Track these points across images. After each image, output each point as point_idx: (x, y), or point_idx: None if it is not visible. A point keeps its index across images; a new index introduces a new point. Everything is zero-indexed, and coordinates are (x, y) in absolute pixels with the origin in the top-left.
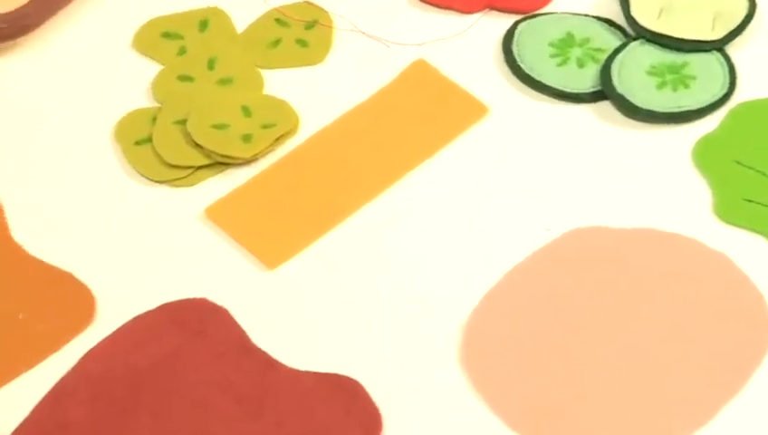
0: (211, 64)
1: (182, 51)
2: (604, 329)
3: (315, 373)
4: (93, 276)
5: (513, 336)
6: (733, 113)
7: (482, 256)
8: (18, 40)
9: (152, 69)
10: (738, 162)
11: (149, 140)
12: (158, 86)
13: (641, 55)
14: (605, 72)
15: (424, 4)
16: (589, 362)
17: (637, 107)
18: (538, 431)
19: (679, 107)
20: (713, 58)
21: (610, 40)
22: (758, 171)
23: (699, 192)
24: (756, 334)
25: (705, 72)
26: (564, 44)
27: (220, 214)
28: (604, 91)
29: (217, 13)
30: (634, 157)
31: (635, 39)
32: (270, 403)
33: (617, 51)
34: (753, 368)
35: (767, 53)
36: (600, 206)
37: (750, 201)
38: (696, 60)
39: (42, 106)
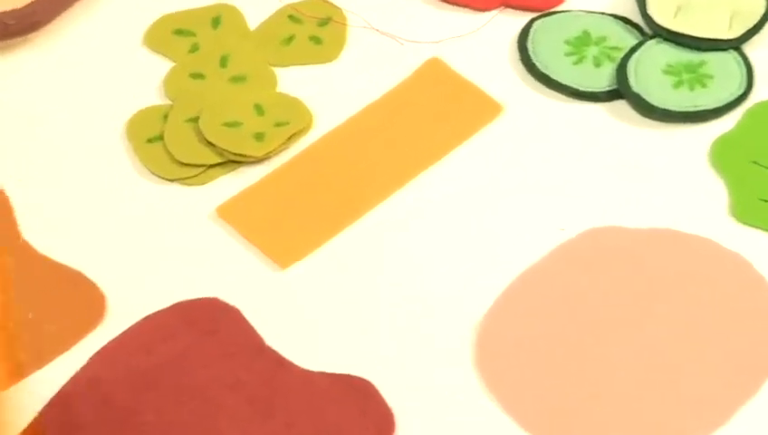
0: (223, 62)
1: (194, 48)
2: (619, 330)
3: (327, 374)
4: (104, 275)
5: (526, 337)
6: (750, 113)
7: (496, 256)
8: (28, 36)
9: (164, 66)
10: (755, 162)
11: (161, 137)
12: (169, 84)
13: (658, 54)
14: (621, 70)
15: (439, 2)
16: (603, 363)
17: (653, 106)
18: (552, 433)
19: (696, 106)
20: (730, 57)
21: (627, 38)
22: None
23: (716, 192)
24: None
25: (723, 72)
26: (580, 43)
27: (232, 213)
28: (620, 90)
29: (230, 9)
30: (650, 156)
31: (651, 37)
32: (281, 404)
33: (633, 49)
34: None
35: None
36: (616, 206)
37: (767, 202)
38: (713, 59)
39: (52, 104)
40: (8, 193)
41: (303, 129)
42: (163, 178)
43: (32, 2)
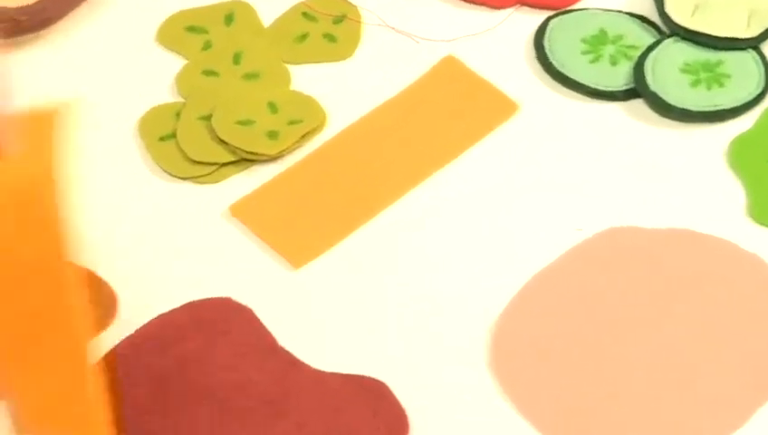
0: (237, 59)
1: (207, 45)
2: (636, 330)
3: (340, 374)
4: (115, 274)
5: (542, 337)
6: None
7: (512, 255)
8: (40, 33)
9: (176, 63)
10: None
11: (174, 135)
12: (182, 81)
13: (675, 53)
14: (638, 69)
15: (454, 0)
16: (619, 364)
17: (670, 105)
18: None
19: (714, 106)
20: (748, 56)
21: (644, 37)
22: None
23: (733, 192)
24: None
25: (740, 71)
26: (597, 41)
27: (245, 211)
28: (637, 89)
29: (243, 6)
30: (667, 156)
31: (669, 36)
32: (293, 404)
33: (650, 48)
34: None
35: None
36: (633, 206)
37: None
38: (730, 58)
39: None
40: None
41: (317, 127)
42: (175, 177)
43: None
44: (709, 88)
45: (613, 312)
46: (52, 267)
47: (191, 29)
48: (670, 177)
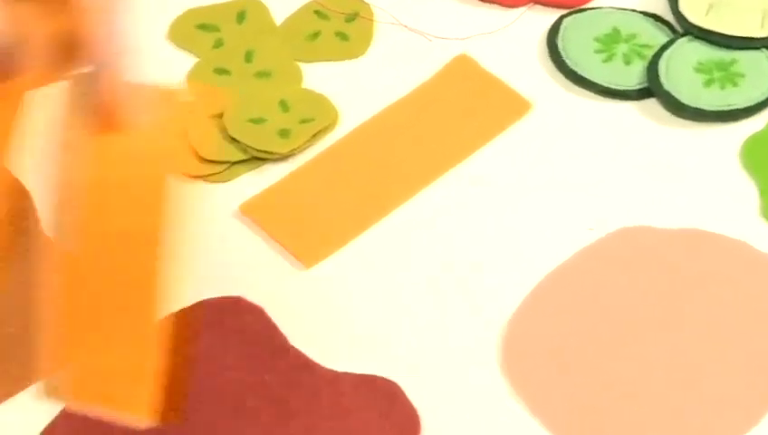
0: (248, 57)
1: (219, 43)
2: (648, 331)
3: (352, 374)
4: None
5: (554, 338)
6: None
7: (524, 255)
8: None
9: (188, 61)
10: None
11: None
12: (194, 79)
13: (689, 52)
14: (652, 68)
15: None
16: (632, 364)
17: (684, 105)
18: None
19: (727, 105)
20: (762, 56)
21: (657, 36)
22: None
23: (747, 192)
24: None
25: (754, 70)
26: (610, 40)
27: (256, 210)
28: (651, 88)
29: (255, 4)
30: (680, 156)
31: (683, 35)
32: (305, 404)
33: (664, 47)
34: None
35: None
36: (646, 205)
37: None
38: (744, 57)
39: None
40: (30, 190)
41: (329, 126)
42: (186, 175)
43: None
44: (723, 87)
45: (625, 312)
46: (153, 242)
47: (203, 27)
48: (683, 176)
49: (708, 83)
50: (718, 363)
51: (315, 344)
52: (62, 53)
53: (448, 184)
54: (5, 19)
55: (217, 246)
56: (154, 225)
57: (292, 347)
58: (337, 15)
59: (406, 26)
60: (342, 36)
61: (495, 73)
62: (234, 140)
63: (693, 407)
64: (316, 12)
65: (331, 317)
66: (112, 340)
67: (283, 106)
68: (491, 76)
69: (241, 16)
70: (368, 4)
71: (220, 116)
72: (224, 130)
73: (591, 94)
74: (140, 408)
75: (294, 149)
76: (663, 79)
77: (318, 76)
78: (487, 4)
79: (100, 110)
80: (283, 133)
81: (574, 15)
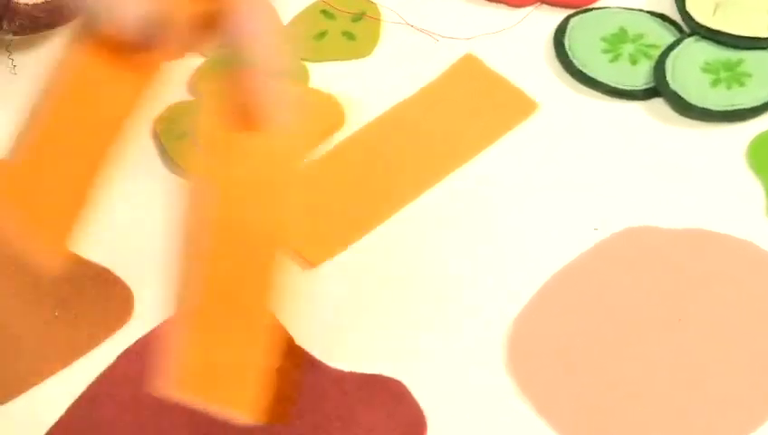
0: None
1: None
2: (654, 331)
3: (358, 374)
4: (132, 272)
5: (560, 338)
6: None
7: (530, 255)
8: (56, 30)
9: (195, 61)
10: None
11: (192, 133)
12: (200, 78)
13: (696, 52)
14: (659, 68)
15: None
16: (637, 364)
17: (691, 105)
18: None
19: (734, 105)
20: None
21: (664, 36)
22: None
23: (753, 193)
24: None
25: (761, 70)
26: (617, 40)
27: None
28: (657, 88)
29: None
30: (687, 155)
31: (689, 35)
32: (311, 404)
33: (671, 47)
34: None
35: None
36: (652, 205)
37: None
38: (751, 57)
39: None
40: None
41: (335, 125)
42: None
43: None
44: (729, 87)
45: (631, 312)
46: (275, 243)
47: None
48: (689, 176)
49: (715, 83)
50: (724, 363)
51: (321, 343)
52: (200, 32)
53: (454, 184)
54: None
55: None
56: (279, 226)
57: (298, 346)
58: (343, 15)
59: (412, 26)
60: (349, 36)
61: (502, 73)
62: None
63: (698, 407)
64: (323, 11)
65: (336, 316)
66: (227, 335)
67: None
68: (497, 76)
69: None
70: (374, 3)
71: None
72: None
73: (598, 94)
74: (248, 405)
75: None
76: (670, 79)
77: (324, 76)
78: (494, 4)
79: (243, 107)
80: None
81: (581, 15)
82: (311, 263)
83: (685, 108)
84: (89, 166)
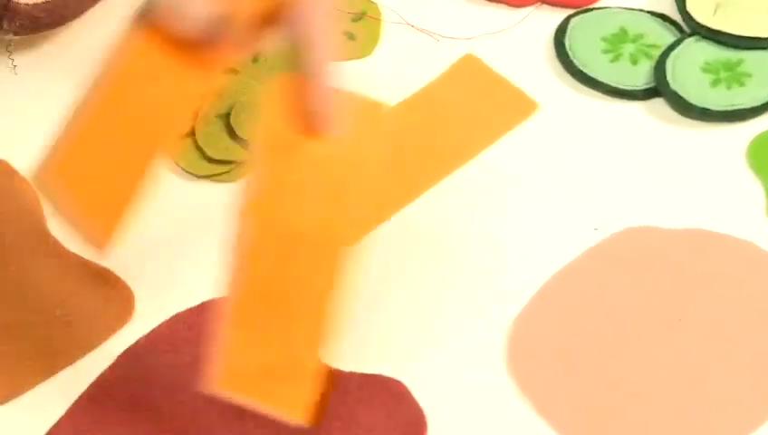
0: (255, 57)
1: None
2: (654, 331)
3: (358, 374)
4: (132, 273)
5: (560, 338)
6: None
7: (530, 255)
8: (57, 30)
9: None
10: None
11: (191, 133)
12: None
13: (696, 52)
14: (659, 68)
15: None
16: (637, 364)
17: (691, 105)
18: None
19: (734, 105)
20: None
21: (665, 36)
22: None
23: (753, 193)
24: None
25: (761, 70)
26: (617, 40)
27: None
28: (657, 88)
29: None
30: (687, 155)
31: (690, 35)
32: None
33: (671, 47)
34: None
35: None
36: (652, 205)
37: None
38: (751, 57)
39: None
40: (37, 190)
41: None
42: (193, 175)
43: None
44: (729, 87)
45: (631, 312)
46: (335, 249)
47: None
48: (689, 176)
49: (715, 83)
50: (724, 363)
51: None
52: (259, 31)
53: (454, 183)
54: None
55: (224, 246)
56: (339, 233)
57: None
58: (344, 15)
59: (413, 26)
60: (349, 36)
61: (502, 73)
62: (240, 139)
63: (698, 407)
64: None
65: None
66: (283, 336)
67: None
68: (498, 76)
69: None
70: (375, 3)
71: (227, 116)
72: (231, 130)
73: (598, 94)
74: (298, 407)
75: None
76: (670, 79)
77: None
78: (494, 4)
79: (306, 114)
80: None
81: (581, 15)
82: None
83: (685, 108)
84: (140, 155)
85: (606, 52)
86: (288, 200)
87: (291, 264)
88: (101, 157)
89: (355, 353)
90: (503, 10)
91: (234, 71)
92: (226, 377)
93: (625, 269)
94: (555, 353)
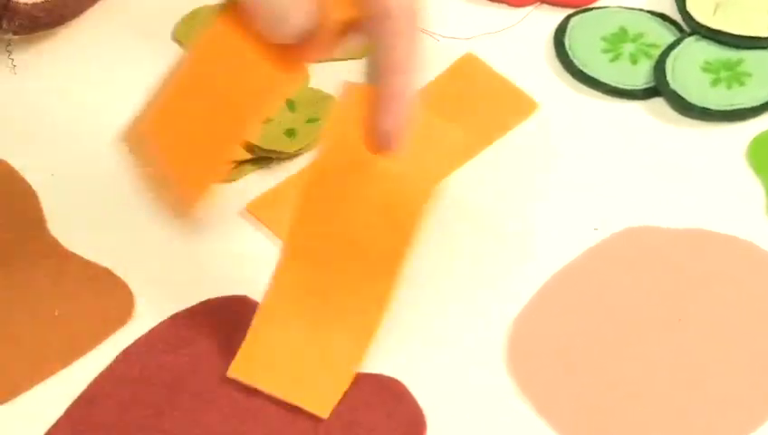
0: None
1: None
2: (654, 331)
3: (359, 374)
4: (132, 273)
5: (560, 338)
6: None
7: (530, 255)
8: (56, 30)
9: None
10: None
11: None
12: None
13: (696, 51)
14: (659, 67)
15: None
16: (637, 364)
17: (691, 104)
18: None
19: (734, 105)
20: None
21: (664, 35)
22: None
23: (753, 192)
24: None
25: (761, 70)
26: (617, 39)
27: (263, 210)
28: (657, 88)
29: None
30: (687, 155)
31: (690, 35)
32: None
33: (671, 46)
34: None
35: None
36: (652, 205)
37: None
38: (751, 57)
39: (80, 98)
40: (36, 190)
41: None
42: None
43: None
44: (729, 87)
45: (631, 312)
46: (393, 264)
47: None
48: (689, 176)
49: (715, 83)
50: (724, 363)
51: None
52: (342, 37)
53: (454, 183)
54: (315, 3)
55: (224, 245)
56: (398, 249)
57: None
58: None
59: None
60: None
61: (502, 73)
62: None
63: (698, 407)
64: None
65: None
66: (330, 335)
67: (290, 106)
68: (497, 76)
69: None
70: None
71: None
72: None
73: (598, 94)
74: (326, 403)
75: (301, 149)
76: (670, 78)
77: (325, 76)
78: (494, 4)
79: (376, 131)
80: (290, 133)
81: (581, 15)
82: None
83: (685, 108)
84: (225, 131)
85: (606, 51)
86: (342, 210)
87: (345, 265)
88: (190, 126)
89: None
90: (503, 10)
91: None
92: (255, 365)
93: (625, 269)
94: (555, 353)
